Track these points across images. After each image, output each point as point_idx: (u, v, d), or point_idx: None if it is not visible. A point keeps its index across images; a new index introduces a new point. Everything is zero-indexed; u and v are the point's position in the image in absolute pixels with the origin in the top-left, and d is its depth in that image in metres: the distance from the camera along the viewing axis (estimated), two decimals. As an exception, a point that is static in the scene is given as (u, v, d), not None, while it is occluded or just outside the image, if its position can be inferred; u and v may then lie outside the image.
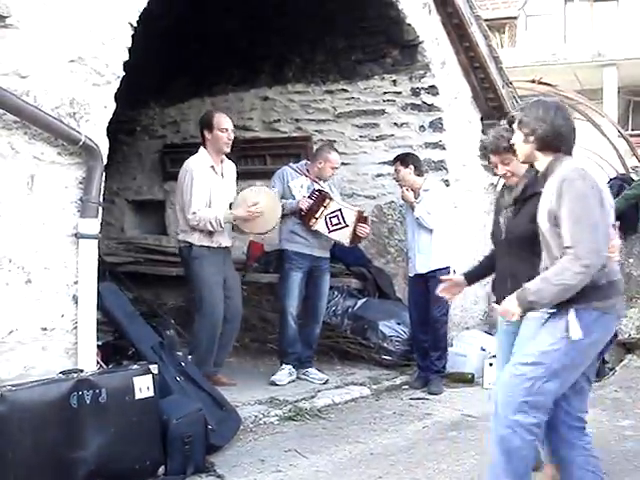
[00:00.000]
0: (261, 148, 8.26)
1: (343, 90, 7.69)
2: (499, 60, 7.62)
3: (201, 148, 5.77)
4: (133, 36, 4.33)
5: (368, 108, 7.58)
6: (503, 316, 3.43)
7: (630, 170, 9.32)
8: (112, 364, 4.54)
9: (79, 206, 4.13)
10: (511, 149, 3.86)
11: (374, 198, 7.61)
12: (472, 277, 4.27)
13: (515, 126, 3.47)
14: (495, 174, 4.18)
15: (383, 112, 7.49)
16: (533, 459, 3.44)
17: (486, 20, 8.17)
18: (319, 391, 5.94)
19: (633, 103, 20.08)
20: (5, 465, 3.49)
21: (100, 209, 4.24)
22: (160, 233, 9.30)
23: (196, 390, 4.70)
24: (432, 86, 7.19)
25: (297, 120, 8.07)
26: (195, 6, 7.53)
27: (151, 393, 4.07)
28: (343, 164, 6.89)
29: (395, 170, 6.38)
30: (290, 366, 6.23)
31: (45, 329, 4.02)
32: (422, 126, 7.31)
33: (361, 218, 6.31)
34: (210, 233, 5.63)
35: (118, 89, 4.30)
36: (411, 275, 6.34)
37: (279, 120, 8.20)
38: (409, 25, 6.89)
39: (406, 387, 6.33)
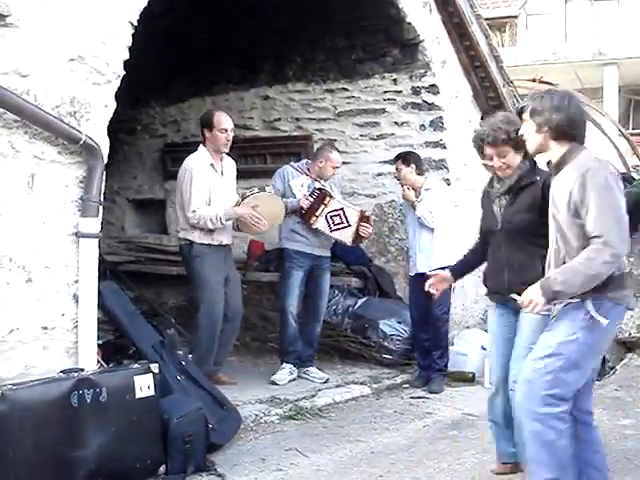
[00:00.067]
0: (261, 147, 8.26)
1: (343, 89, 7.69)
2: (500, 59, 7.62)
3: (201, 146, 5.77)
4: (133, 35, 4.32)
5: (368, 107, 7.59)
6: (525, 306, 3.37)
7: (631, 169, 9.33)
8: (113, 363, 4.54)
9: (80, 205, 4.13)
10: (509, 141, 3.86)
11: (374, 197, 7.62)
12: (458, 272, 4.32)
13: (526, 116, 3.45)
14: (488, 167, 4.07)
15: (384, 111, 7.49)
16: (571, 447, 3.38)
17: (487, 19, 8.18)
18: (320, 390, 5.94)
19: (634, 102, 20.08)
20: (6, 464, 3.49)
21: (101, 208, 4.23)
22: (161, 232, 9.31)
23: (197, 389, 4.70)
24: (433, 85, 7.19)
25: (297, 119, 8.07)
26: (195, 5, 7.53)
27: (152, 392, 4.07)
28: (344, 163, 6.89)
29: (396, 169, 6.38)
30: (291, 365, 6.23)
31: (46, 328, 4.02)
32: (423, 125, 7.32)
33: (364, 218, 6.32)
34: (210, 231, 5.63)
35: (118, 88, 4.30)
36: (412, 274, 6.34)
37: (279, 119, 8.20)
38: (409, 24, 6.89)
39: (407, 386, 6.33)
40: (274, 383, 6.05)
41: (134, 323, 4.81)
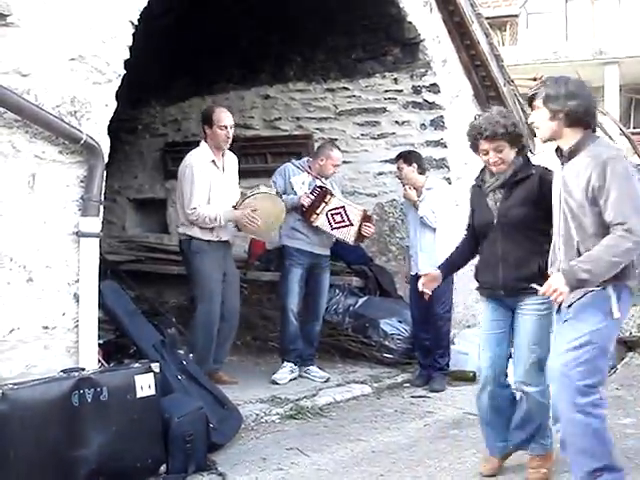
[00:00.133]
0: (262, 146, 8.26)
1: (344, 88, 7.69)
2: (500, 58, 7.61)
3: (202, 142, 5.77)
4: (134, 34, 4.32)
5: (369, 106, 7.59)
6: (549, 296, 3.34)
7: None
8: (113, 362, 4.55)
9: (80, 205, 4.13)
10: (506, 135, 3.84)
11: (375, 196, 7.62)
12: (447, 270, 4.29)
13: (539, 102, 3.42)
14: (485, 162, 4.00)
15: (384, 110, 7.49)
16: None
17: (487, 18, 8.17)
18: (320, 389, 5.94)
19: (635, 101, 20.07)
20: (7, 464, 3.49)
21: (101, 208, 4.24)
22: (161, 231, 9.31)
23: (197, 388, 4.71)
24: (433, 84, 7.19)
25: (298, 118, 8.07)
26: (195, 5, 7.53)
27: (152, 391, 4.07)
28: (344, 162, 6.89)
29: (398, 168, 6.37)
30: (291, 364, 6.23)
31: (46, 328, 4.02)
32: (423, 124, 7.32)
33: (366, 217, 6.32)
34: (210, 227, 5.63)
35: (119, 87, 4.30)
36: (413, 273, 6.33)
37: (280, 118, 8.20)
38: (410, 23, 6.88)
39: (407, 385, 6.32)
40: (275, 382, 6.05)
41: (135, 322, 4.81)
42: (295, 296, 6.22)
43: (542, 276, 3.78)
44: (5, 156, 3.83)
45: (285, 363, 6.24)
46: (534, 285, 3.53)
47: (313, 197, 6.12)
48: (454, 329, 6.76)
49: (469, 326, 7.31)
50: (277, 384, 6.02)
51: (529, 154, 8.59)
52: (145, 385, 4.04)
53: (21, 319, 3.91)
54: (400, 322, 6.74)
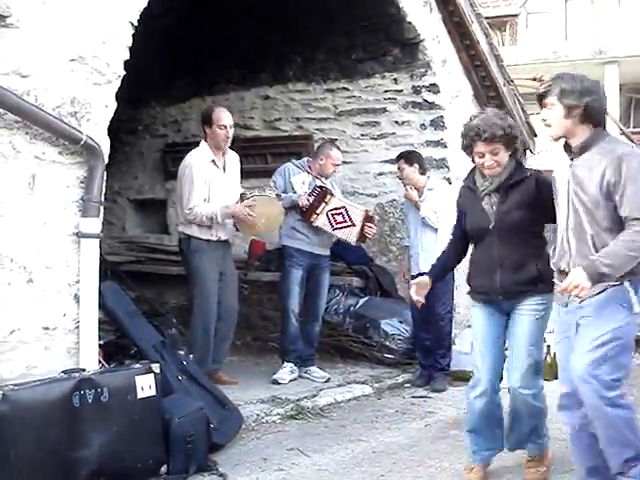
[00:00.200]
0: (262, 147, 8.26)
1: (344, 89, 7.69)
2: (500, 58, 7.61)
3: (202, 142, 5.77)
4: (134, 35, 4.32)
5: (369, 106, 7.59)
6: (570, 291, 3.29)
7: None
8: (114, 363, 4.55)
9: (80, 205, 4.13)
10: (504, 138, 3.81)
11: (375, 196, 7.62)
12: (436, 275, 4.21)
13: (553, 100, 3.39)
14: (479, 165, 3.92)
15: (384, 110, 7.49)
16: None
17: (487, 18, 8.16)
18: (321, 390, 5.94)
19: (634, 100, 20.07)
20: (8, 464, 3.49)
21: (101, 208, 4.24)
22: (162, 232, 9.31)
23: (198, 389, 4.71)
24: (433, 84, 7.19)
25: (298, 119, 8.08)
26: (195, 5, 7.53)
27: (153, 392, 4.07)
28: (344, 162, 6.89)
29: (399, 168, 6.37)
30: (292, 364, 6.23)
31: (47, 328, 4.02)
32: (423, 124, 7.32)
33: (368, 218, 6.32)
34: (209, 226, 5.63)
35: (119, 88, 4.30)
36: (414, 274, 6.32)
37: (280, 119, 8.20)
38: (410, 23, 6.88)
39: (408, 385, 6.33)
40: (275, 382, 6.05)
41: (135, 323, 4.82)
42: (295, 297, 6.22)
43: (540, 279, 3.81)
44: (5, 157, 3.83)
45: (285, 363, 6.24)
46: (555, 281, 3.49)
47: (312, 198, 6.11)
48: (455, 329, 6.76)
49: (469, 326, 7.29)
50: (278, 384, 6.02)
51: (529, 153, 8.63)
52: (146, 386, 4.04)
53: (21, 320, 3.91)
54: (401, 322, 6.74)
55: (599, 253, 3.29)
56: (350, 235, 6.28)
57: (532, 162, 9.32)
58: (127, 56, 4.30)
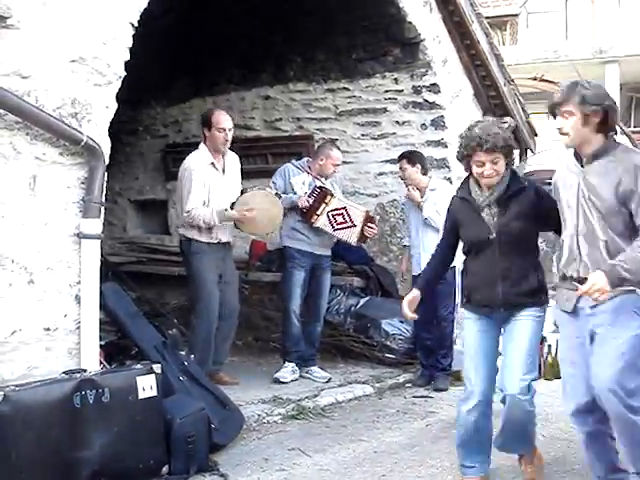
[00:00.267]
0: (263, 147, 8.26)
1: (344, 89, 7.69)
2: (500, 58, 7.61)
3: (201, 144, 5.77)
4: (134, 36, 4.32)
5: (370, 106, 7.58)
6: (592, 294, 3.27)
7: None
8: (115, 364, 4.55)
9: (81, 206, 4.13)
10: (505, 148, 3.79)
11: (376, 196, 7.62)
12: (425, 287, 4.12)
13: (572, 107, 3.38)
14: (474, 174, 3.84)
15: (385, 110, 7.49)
16: None
17: (487, 18, 8.17)
18: (322, 390, 5.94)
19: (635, 100, 20.06)
20: (9, 465, 3.49)
21: (102, 209, 4.24)
22: (163, 233, 9.32)
23: (199, 389, 4.71)
24: (433, 84, 7.18)
25: (299, 119, 8.08)
26: (195, 5, 7.53)
27: (154, 392, 4.07)
28: (345, 162, 6.89)
29: (401, 168, 6.36)
30: (293, 364, 6.23)
31: (48, 329, 4.03)
32: (424, 124, 7.31)
33: (369, 218, 6.31)
34: (209, 229, 5.63)
35: (119, 89, 4.30)
36: (415, 274, 6.32)
37: (280, 119, 8.20)
38: (410, 23, 6.88)
39: (409, 385, 6.33)
40: (277, 380, 6.05)
41: (136, 324, 4.82)
42: (297, 297, 6.21)
43: (540, 290, 3.83)
44: (6, 158, 3.84)
45: (287, 363, 6.24)
46: (575, 284, 3.44)
47: (312, 199, 6.11)
48: (456, 329, 6.76)
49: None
50: (279, 383, 6.02)
51: (529, 152, 8.62)
52: (147, 386, 4.04)
53: (22, 321, 3.91)
54: (402, 322, 6.73)
55: (619, 258, 3.29)
56: (351, 236, 6.27)
57: (532, 162, 9.34)
58: (127, 57, 4.30)
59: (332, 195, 6.19)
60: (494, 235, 3.79)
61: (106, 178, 4.24)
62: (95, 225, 4.16)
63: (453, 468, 4.26)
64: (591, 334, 3.45)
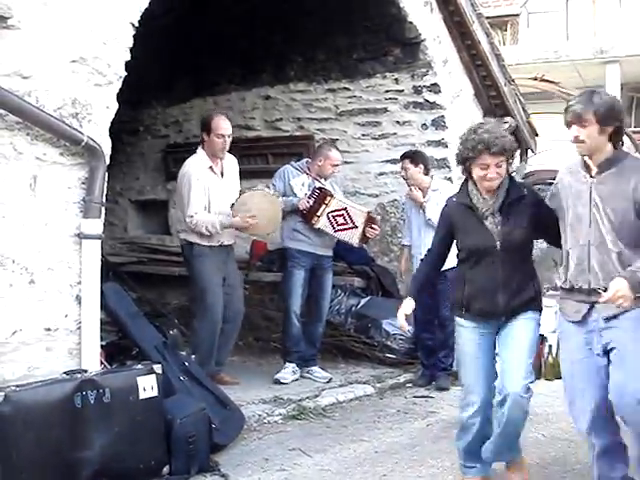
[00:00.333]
0: (263, 147, 8.26)
1: (345, 89, 7.69)
2: (501, 58, 7.61)
3: (199, 149, 5.75)
4: (134, 36, 4.33)
5: (370, 106, 7.58)
6: (615, 301, 3.25)
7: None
8: (116, 364, 4.55)
9: (82, 206, 4.14)
10: (510, 151, 3.77)
11: (377, 196, 7.62)
12: (417, 295, 4.07)
13: (590, 116, 3.37)
14: (474, 177, 3.78)
15: (385, 110, 7.49)
16: None
17: (488, 18, 8.16)
18: (323, 390, 5.94)
19: (636, 100, 20.04)
20: (10, 465, 3.50)
21: (103, 209, 4.24)
22: (163, 233, 9.32)
23: (200, 389, 4.71)
24: (434, 84, 7.18)
25: (299, 119, 8.08)
26: (196, 5, 7.53)
27: (155, 393, 4.08)
28: (346, 163, 6.88)
29: (403, 168, 6.35)
30: (294, 364, 6.23)
31: (49, 329, 4.03)
32: (424, 124, 7.31)
33: (370, 219, 6.30)
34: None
35: (120, 89, 4.30)
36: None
37: (281, 119, 8.20)
38: (411, 23, 6.88)
39: (410, 385, 6.33)
40: (278, 381, 6.05)
41: (137, 324, 4.82)
42: (298, 298, 6.21)
43: (536, 298, 3.83)
44: (6, 158, 3.84)
45: (287, 364, 6.24)
46: (600, 290, 3.39)
47: (312, 200, 6.10)
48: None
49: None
50: (280, 383, 6.02)
51: (530, 153, 8.61)
52: (147, 386, 4.05)
53: (23, 321, 3.91)
54: (402, 322, 6.72)
55: (636, 264, 3.30)
56: (352, 237, 6.26)
57: (533, 162, 9.33)
58: (128, 57, 4.31)
59: (332, 196, 6.18)
60: (499, 243, 3.74)
61: (107, 178, 4.24)
62: (96, 225, 4.17)
63: (454, 468, 4.26)
64: (604, 347, 3.44)
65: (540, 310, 3.86)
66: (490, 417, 3.90)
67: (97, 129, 4.18)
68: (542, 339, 6.47)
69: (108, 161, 4.24)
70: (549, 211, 3.71)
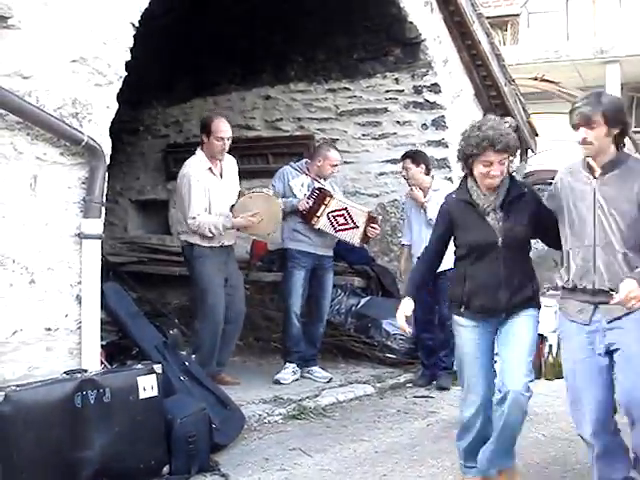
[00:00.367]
0: (264, 147, 8.26)
1: (345, 88, 7.70)
2: (501, 58, 7.61)
3: (198, 150, 5.74)
4: (135, 36, 4.33)
5: (370, 106, 7.59)
6: (626, 303, 3.24)
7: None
8: (116, 364, 4.55)
9: (82, 206, 4.14)
10: (515, 148, 3.79)
11: (377, 196, 7.62)
12: (415, 294, 4.05)
13: (599, 118, 3.38)
14: (476, 174, 3.74)
15: (385, 110, 7.49)
16: None
17: (488, 18, 8.16)
18: (323, 390, 5.93)
19: (636, 100, 20.04)
20: (10, 465, 3.50)
21: (103, 209, 4.24)
22: (163, 232, 9.32)
23: (200, 389, 4.71)
24: (434, 84, 7.19)
25: (299, 119, 8.08)
26: (196, 5, 7.53)
27: (155, 392, 4.07)
28: (346, 162, 6.88)
29: (404, 168, 6.34)
30: (294, 365, 6.23)
31: (49, 329, 4.03)
32: (424, 124, 7.32)
33: (371, 219, 6.30)
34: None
35: (120, 89, 4.30)
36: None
37: (281, 119, 8.20)
38: (411, 23, 6.88)
39: (410, 385, 6.33)
40: (278, 382, 6.05)
41: (137, 324, 4.82)
42: (298, 298, 6.21)
43: (535, 296, 3.83)
44: (7, 158, 3.84)
45: (287, 364, 6.24)
46: (610, 291, 3.39)
47: (311, 201, 6.10)
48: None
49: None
50: (280, 384, 6.02)
51: (530, 152, 8.60)
52: (148, 386, 4.05)
53: (24, 321, 3.92)
54: (402, 322, 6.72)
55: None
56: (353, 237, 6.26)
57: (533, 162, 9.33)
58: (128, 57, 4.31)
59: (331, 196, 6.16)
60: (501, 240, 3.71)
61: (107, 178, 4.24)
62: (96, 225, 4.17)
63: (454, 468, 4.26)
64: (607, 347, 3.44)
65: (539, 307, 3.86)
66: (491, 416, 3.89)
67: (97, 129, 4.18)
68: (542, 339, 6.48)
69: (108, 161, 4.24)
70: (548, 212, 3.71)
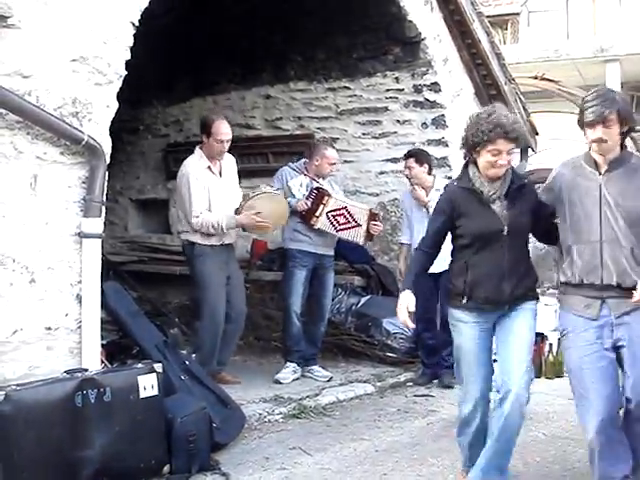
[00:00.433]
0: (263, 146, 8.27)
1: (345, 88, 7.70)
2: (501, 56, 7.61)
3: (197, 149, 5.73)
4: (135, 35, 4.33)
5: (370, 105, 7.59)
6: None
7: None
8: (116, 363, 4.55)
9: (82, 206, 4.14)
10: (522, 137, 3.79)
11: (377, 195, 7.62)
12: (415, 288, 3.94)
13: (614, 117, 3.39)
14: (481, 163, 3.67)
15: (386, 109, 7.50)
16: None
17: (488, 17, 8.17)
18: (323, 389, 5.94)
19: (636, 98, 20.03)
20: (10, 464, 3.50)
21: (103, 208, 4.24)
22: (164, 232, 9.32)
23: (200, 388, 4.71)
24: (434, 83, 7.19)
25: (299, 118, 8.08)
26: (196, 5, 7.53)
27: (155, 392, 4.07)
28: (346, 162, 6.88)
29: (407, 167, 6.32)
30: (294, 364, 6.23)
31: (49, 329, 4.03)
32: (425, 123, 7.32)
33: (372, 216, 6.30)
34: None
35: (120, 88, 4.30)
36: (417, 272, 6.28)
37: (281, 118, 8.21)
38: (411, 22, 6.88)
39: (410, 384, 6.33)
40: (278, 382, 6.05)
41: (137, 323, 4.83)
42: (298, 297, 6.21)
43: (534, 287, 3.85)
44: (7, 157, 3.84)
45: (288, 363, 6.24)
46: (626, 286, 3.41)
47: (310, 201, 6.09)
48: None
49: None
50: (280, 383, 6.03)
51: (530, 151, 8.60)
52: (148, 385, 4.04)
53: (24, 320, 3.92)
54: (403, 321, 6.72)
55: None
56: (357, 236, 6.25)
57: (533, 161, 9.33)
58: (128, 56, 4.31)
59: (329, 196, 6.14)
60: (507, 228, 3.66)
61: (107, 177, 4.24)
62: (96, 224, 4.17)
63: (454, 467, 4.26)
64: (615, 342, 3.46)
65: (538, 299, 3.85)
66: (487, 411, 3.88)
67: (97, 128, 4.18)
68: (543, 338, 6.48)
69: (108, 160, 4.24)
70: (546, 206, 3.71)
